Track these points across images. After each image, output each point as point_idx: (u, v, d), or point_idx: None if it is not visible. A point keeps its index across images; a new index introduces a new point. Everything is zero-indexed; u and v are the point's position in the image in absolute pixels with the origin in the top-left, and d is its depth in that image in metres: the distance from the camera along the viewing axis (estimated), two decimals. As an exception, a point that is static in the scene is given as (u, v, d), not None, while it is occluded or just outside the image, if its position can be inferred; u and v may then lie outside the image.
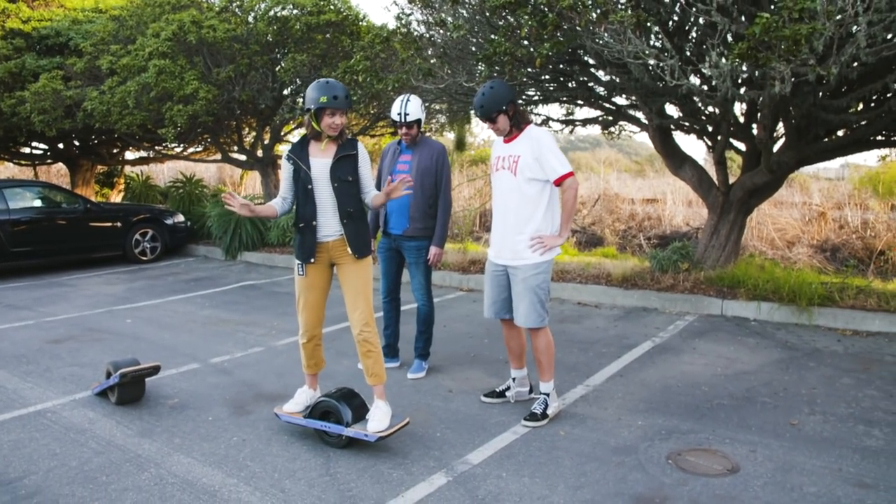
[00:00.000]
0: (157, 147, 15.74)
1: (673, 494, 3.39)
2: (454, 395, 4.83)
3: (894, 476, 3.59)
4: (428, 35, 8.18)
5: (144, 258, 11.97)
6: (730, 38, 6.20)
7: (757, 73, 5.79)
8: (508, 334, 4.60)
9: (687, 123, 8.04)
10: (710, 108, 7.56)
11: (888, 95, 6.63)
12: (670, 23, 6.84)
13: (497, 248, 4.40)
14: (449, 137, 17.43)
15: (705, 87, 6.66)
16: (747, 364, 5.45)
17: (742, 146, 8.15)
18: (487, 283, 4.51)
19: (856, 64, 5.46)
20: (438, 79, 7.68)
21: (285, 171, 4.12)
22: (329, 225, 4.03)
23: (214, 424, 4.37)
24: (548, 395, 4.38)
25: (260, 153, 13.49)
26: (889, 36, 5.17)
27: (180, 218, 12.77)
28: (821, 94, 6.64)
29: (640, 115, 8.32)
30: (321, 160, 4.01)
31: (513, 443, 4.02)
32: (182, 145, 15.94)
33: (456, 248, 10.35)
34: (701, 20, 6.58)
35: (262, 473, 3.67)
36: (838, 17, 4.88)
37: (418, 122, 5.08)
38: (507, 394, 4.70)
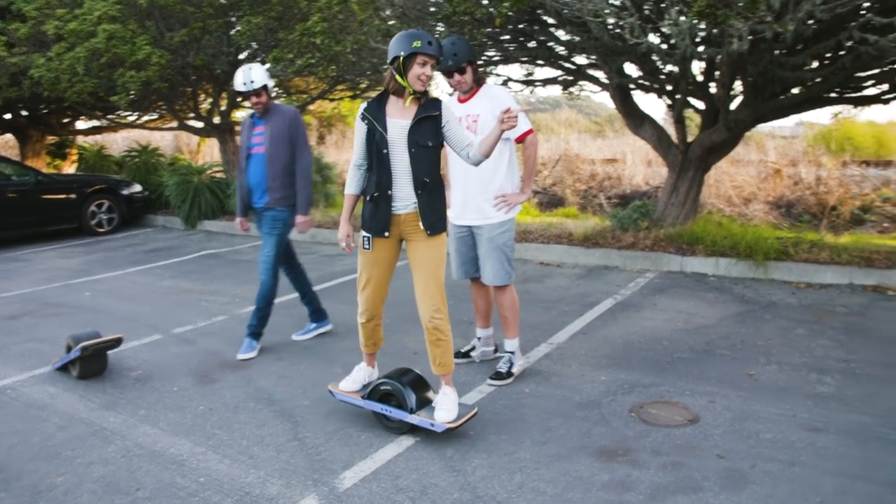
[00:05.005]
0: (109, 116, 15.31)
1: (636, 446, 3.48)
2: (419, 356, 4.86)
3: (843, 420, 3.73)
4: (386, -5, 8.06)
5: (101, 230, 11.74)
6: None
7: (715, 30, 5.83)
8: (477, 293, 4.63)
9: (646, 82, 8.08)
10: (670, 67, 7.60)
11: (841, 53, 6.73)
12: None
13: (459, 210, 4.40)
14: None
15: (665, 46, 6.69)
16: (706, 318, 5.58)
17: (701, 105, 8.23)
18: (452, 245, 4.51)
19: (811, 21, 5.52)
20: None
21: (359, 132, 3.67)
22: (403, 196, 3.60)
23: (180, 394, 4.35)
24: (513, 353, 4.44)
25: (217, 120, 13.22)
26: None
27: (137, 188, 12.52)
28: (777, 51, 6.71)
29: (599, 74, 8.33)
30: (399, 121, 3.55)
31: (479, 401, 4.07)
32: (136, 113, 15.53)
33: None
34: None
35: (229, 441, 3.68)
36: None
37: (265, 88, 4.88)
38: (473, 353, 4.75)
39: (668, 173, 8.41)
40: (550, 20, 7.43)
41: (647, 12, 6.74)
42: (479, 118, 4.19)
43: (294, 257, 5.41)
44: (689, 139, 8.26)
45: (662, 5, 6.31)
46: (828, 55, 7.04)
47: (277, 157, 4.93)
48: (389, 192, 3.58)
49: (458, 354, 4.73)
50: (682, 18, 5.44)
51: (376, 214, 3.63)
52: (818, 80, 7.25)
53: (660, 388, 4.21)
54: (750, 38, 5.50)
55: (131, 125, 15.92)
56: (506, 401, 4.09)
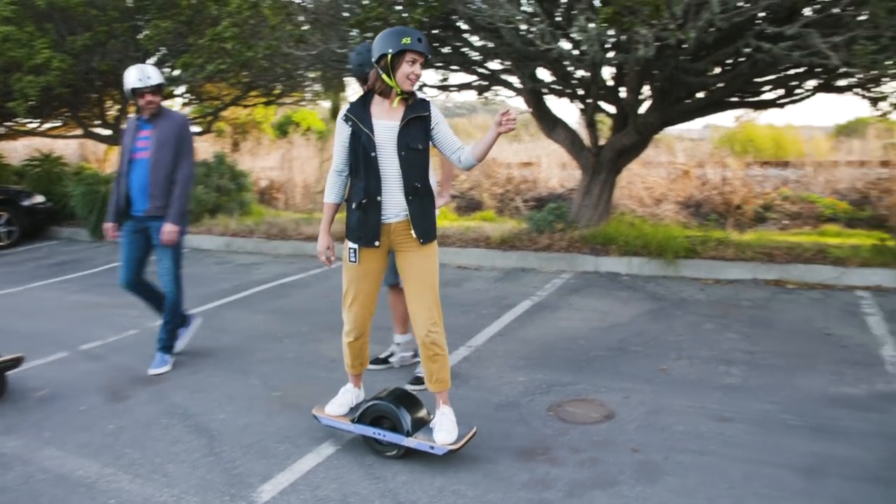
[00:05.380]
0: (7, 123, 14.56)
1: (554, 444, 3.54)
2: (337, 364, 4.80)
3: (749, 409, 3.91)
4: (299, 0, 7.97)
5: (0, 244, 11.15)
6: (598, 3, 6.40)
7: (622, 37, 6.02)
8: (396, 299, 4.62)
9: (559, 87, 8.26)
10: (581, 72, 7.80)
11: (740, 59, 7.05)
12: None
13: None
14: (325, 106, 17.12)
15: (576, 52, 6.86)
16: (620, 316, 5.74)
17: (612, 109, 8.47)
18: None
19: (711, 29, 5.77)
20: (310, 45, 7.51)
21: (341, 135, 3.40)
22: (393, 202, 3.35)
23: (88, 413, 4.17)
24: (432, 358, 4.44)
25: (124, 127, 12.78)
26: (739, 3, 5.48)
27: (39, 199, 11.93)
28: (682, 57, 6.98)
29: (513, 79, 8.47)
30: (386, 123, 3.32)
31: (400, 407, 4.06)
32: (37, 120, 14.82)
33: (338, 217, 10.24)
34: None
35: (142, 460, 3.55)
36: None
37: (160, 87, 4.71)
38: (391, 360, 4.74)
39: (581, 176, 8.61)
40: (464, 26, 7.51)
41: (558, 19, 6.90)
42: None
43: (143, 276, 5.03)
44: (602, 142, 8.48)
45: (573, 12, 6.47)
46: (728, 62, 7.37)
47: (162, 163, 4.70)
48: (379, 198, 3.32)
49: (375, 361, 4.70)
50: (591, 25, 5.59)
51: (365, 223, 3.35)
52: (720, 85, 7.58)
53: (577, 387, 4.30)
54: (657, 44, 5.72)
55: (32, 133, 15.17)
56: (426, 405, 4.09)
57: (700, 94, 7.93)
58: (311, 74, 10.46)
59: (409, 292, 3.46)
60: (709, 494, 3.04)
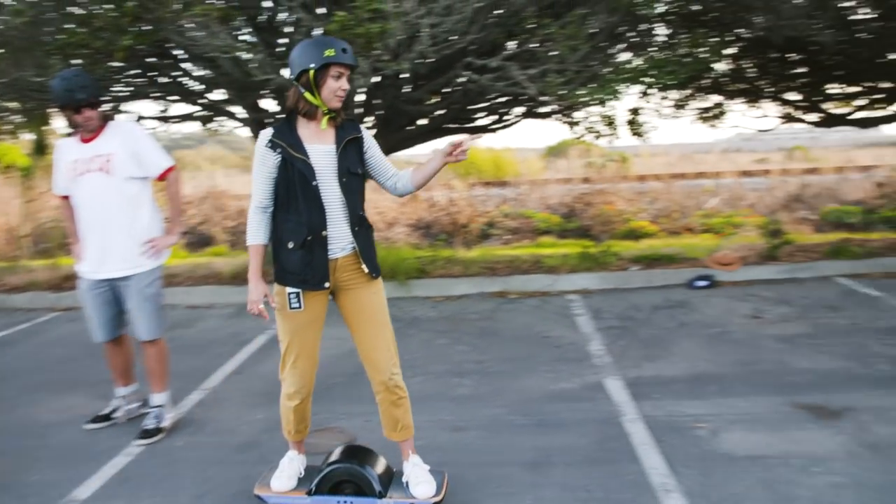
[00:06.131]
0: None
1: (297, 478, 3.47)
2: (53, 428, 4.31)
3: (481, 415, 4.18)
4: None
5: None
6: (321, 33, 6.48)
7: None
8: (114, 352, 4.23)
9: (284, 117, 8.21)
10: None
11: (455, 88, 7.56)
12: (259, 17, 6.90)
13: (97, 263, 3.95)
14: (29, 139, 15.36)
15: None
16: (359, 341, 5.81)
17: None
18: (90, 304, 4.04)
19: (425, 60, 6.12)
20: (2, 72, 6.71)
21: (265, 165, 2.93)
22: (339, 236, 2.96)
23: None
24: (162, 406, 4.16)
25: None
26: (448, 37, 5.87)
27: None
28: (403, 88, 7.31)
29: (238, 109, 8.27)
30: (320, 147, 2.93)
31: (127, 466, 3.73)
32: None
33: (47, 264, 9.20)
34: (287, 16, 6.76)
35: None
36: (405, 18, 5.42)
37: None
38: (115, 415, 4.33)
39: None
40: (182, 55, 7.19)
41: (280, 49, 6.88)
42: (113, 157, 3.87)
43: None
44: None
45: (291, 42, 6.50)
46: (445, 90, 7.86)
47: None
48: (324, 233, 2.91)
49: (99, 419, 4.28)
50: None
51: (312, 263, 2.92)
52: (439, 112, 8.05)
53: (318, 416, 4.25)
54: (374, 74, 5.94)
55: None
56: (158, 459, 3.81)
57: (422, 121, 8.36)
58: (10, 105, 9.32)
59: (363, 333, 3.09)
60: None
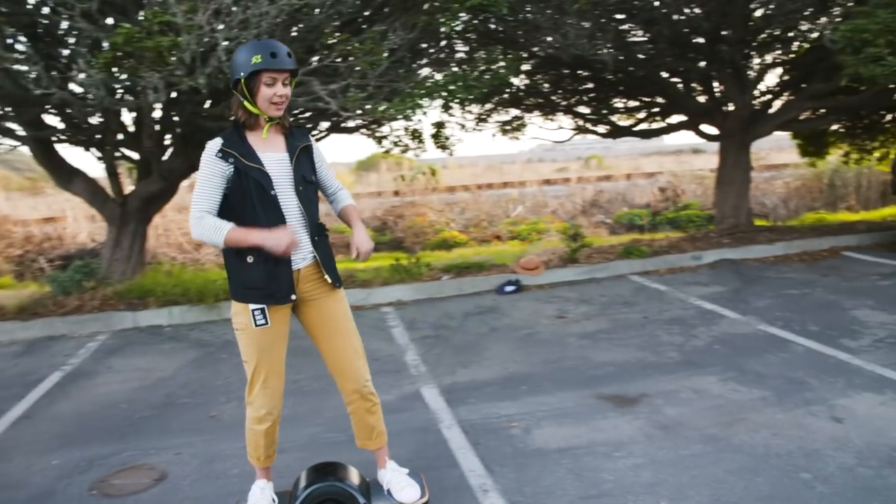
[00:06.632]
0: None
1: (96, 526, 3.20)
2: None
3: (299, 435, 4.10)
4: None
5: None
6: (106, 46, 6.05)
7: (129, 82, 5.78)
8: None
9: (69, 135, 7.58)
10: (96, 118, 7.27)
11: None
12: (38, 27, 6.33)
13: None
14: None
15: (90, 97, 6.36)
16: (164, 370, 5.47)
17: (136, 155, 8.09)
18: None
19: (222, 75, 5.89)
20: None
21: (214, 175, 2.71)
22: (300, 246, 2.81)
23: None
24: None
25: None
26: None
27: None
28: (204, 103, 6.99)
29: (16, 126, 7.51)
30: (273, 155, 2.80)
31: None
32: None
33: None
34: (66, 25, 6.27)
35: None
36: (199, 32, 5.19)
37: None
38: None
39: (108, 228, 8.02)
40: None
41: (63, 61, 6.35)
42: None
43: None
44: (128, 191, 8.04)
45: (70, 52, 6.03)
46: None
47: None
48: None
49: None
50: (93, 70, 5.26)
51: (276, 276, 2.76)
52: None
53: (122, 455, 3.96)
54: (169, 90, 5.63)
55: None
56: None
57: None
58: None
59: (332, 343, 2.98)
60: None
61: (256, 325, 2.82)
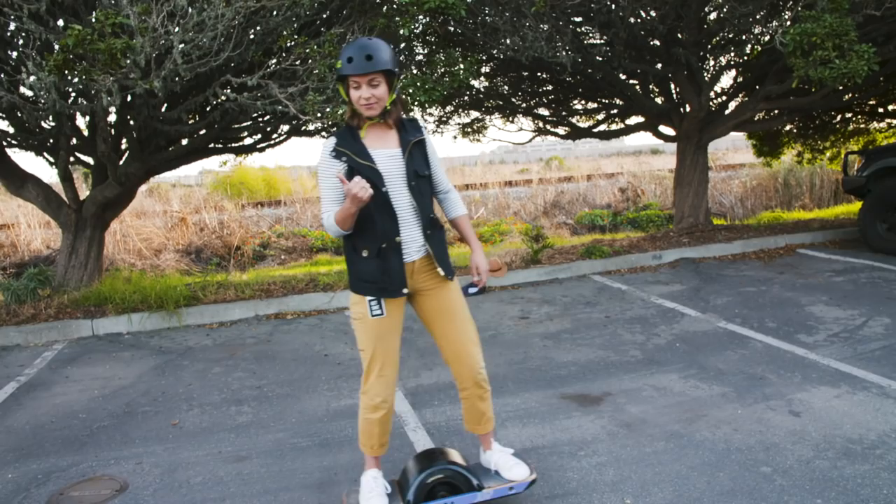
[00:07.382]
0: None
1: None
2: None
3: (263, 441, 4.04)
4: None
5: None
6: (57, 48, 5.93)
7: (82, 85, 5.66)
8: None
9: (20, 139, 7.40)
10: (49, 122, 7.11)
11: (212, 108, 7.27)
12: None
13: None
14: None
15: (41, 101, 6.22)
16: (124, 379, 5.37)
17: (91, 160, 7.93)
18: None
19: (179, 78, 5.82)
20: None
21: (330, 174, 2.82)
22: (412, 240, 2.90)
23: None
24: None
25: None
26: (202, 54, 5.63)
27: None
28: (160, 107, 6.88)
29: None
30: (384, 151, 2.86)
31: None
32: None
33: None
34: (13, 27, 6.13)
35: None
36: (153, 34, 5.11)
37: None
38: None
39: (63, 234, 7.86)
40: None
41: (12, 63, 6.20)
42: None
43: None
44: (84, 196, 7.88)
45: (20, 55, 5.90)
46: (208, 109, 7.53)
47: None
48: (397, 238, 2.85)
49: None
50: (43, 73, 5.14)
51: (388, 269, 2.85)
52: (200, 132, 7.70)
53: (81, 467, 3.88)
54: (123, 93, 5.53)
55: None
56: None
57: (184, 142, 7.94)
58: None
59: (447, 332, 3.03)
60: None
61: (372, 315, 2.91)
